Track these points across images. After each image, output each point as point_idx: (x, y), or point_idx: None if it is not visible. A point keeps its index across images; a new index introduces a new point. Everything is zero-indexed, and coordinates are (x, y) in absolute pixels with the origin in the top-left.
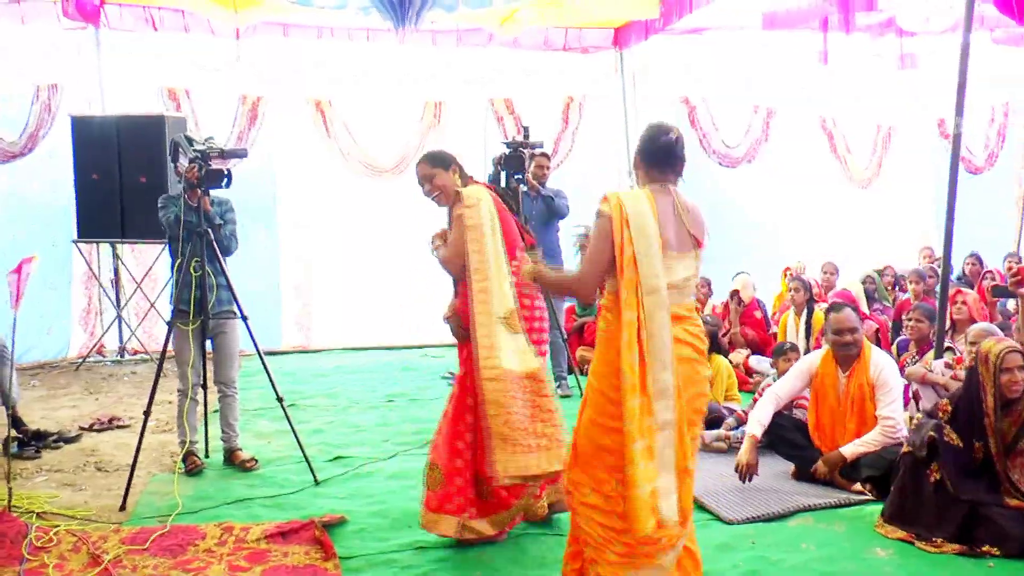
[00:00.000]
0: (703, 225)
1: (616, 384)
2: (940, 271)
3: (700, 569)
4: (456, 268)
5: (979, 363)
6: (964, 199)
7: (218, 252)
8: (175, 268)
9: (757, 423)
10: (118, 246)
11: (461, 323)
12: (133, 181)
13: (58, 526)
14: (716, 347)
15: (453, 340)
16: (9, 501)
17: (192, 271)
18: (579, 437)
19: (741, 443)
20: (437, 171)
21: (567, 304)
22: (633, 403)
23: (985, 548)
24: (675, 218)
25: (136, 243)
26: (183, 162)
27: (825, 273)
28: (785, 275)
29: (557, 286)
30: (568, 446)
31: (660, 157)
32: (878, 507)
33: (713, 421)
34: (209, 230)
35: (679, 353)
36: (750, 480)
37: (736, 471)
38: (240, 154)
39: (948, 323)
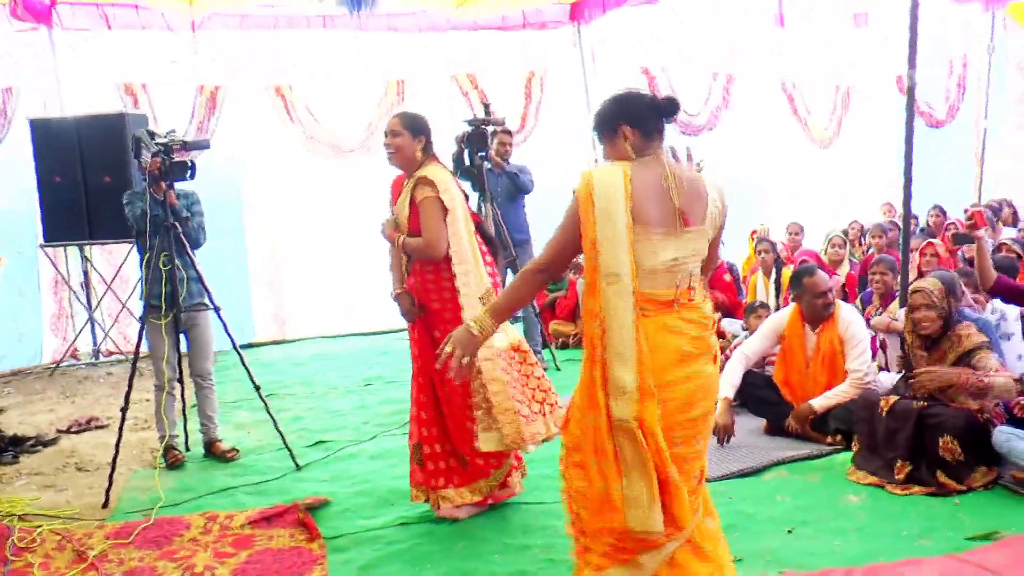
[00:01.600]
0: (702, 200)
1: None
2: (901, 223)
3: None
4: (441, 251)
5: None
6: (927, 152)
7: (187, 245)
8: (144, 263)
9: (729, 385)
10: (86, 248)
11: (414, 300)
12: (97, 181)
13: (40, 526)
14: None
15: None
16: None
17: (161, 265)
18: (571, 413)
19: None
20: (405, 133)
21: None
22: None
23: (943, 481)
24: (663, 193)
25: (105, 244)
26: (146, 156)
27: (791, 234)
28: (752, 239)
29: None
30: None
31: (652, 120)
32: (849, 456)
33: None
34: (176, 223)
35: (673, 347)
36: (728, 442)
37: (713, 434)
38: (203, 145)
39: (916, 274)
